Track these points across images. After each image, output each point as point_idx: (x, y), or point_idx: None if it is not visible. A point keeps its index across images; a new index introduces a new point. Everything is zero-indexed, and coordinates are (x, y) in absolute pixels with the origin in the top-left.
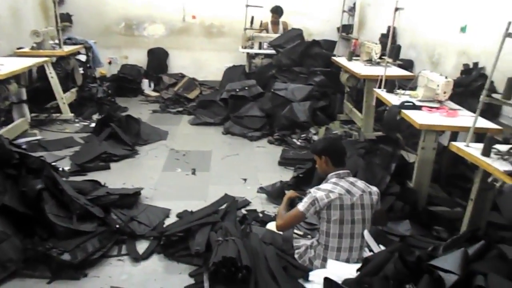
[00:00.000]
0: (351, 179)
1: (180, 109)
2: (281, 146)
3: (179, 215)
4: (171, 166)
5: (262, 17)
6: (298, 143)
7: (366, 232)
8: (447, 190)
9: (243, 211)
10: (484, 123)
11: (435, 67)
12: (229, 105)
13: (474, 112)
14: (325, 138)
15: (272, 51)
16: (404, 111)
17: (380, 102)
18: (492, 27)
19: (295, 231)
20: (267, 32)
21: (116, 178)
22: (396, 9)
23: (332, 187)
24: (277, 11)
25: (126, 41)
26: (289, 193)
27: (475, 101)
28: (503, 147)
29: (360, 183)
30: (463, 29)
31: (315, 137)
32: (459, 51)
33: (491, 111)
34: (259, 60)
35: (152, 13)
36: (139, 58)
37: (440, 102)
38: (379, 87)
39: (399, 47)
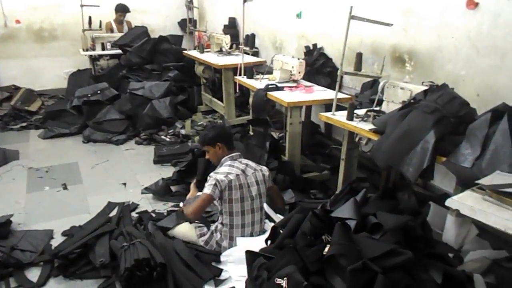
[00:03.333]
0: (244, 160)
1: (24, 124)
2: (151, 145)
3: (65, 233)
4: (36, 186)
5: (100, 17)
6: (168, 139)
7: (266, 205)
8: (311, 158)
9: (134, 214)
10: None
11: (279, 51)
12: (84, 112)
13: (323, 87)
14: (213, 127)
15: (118, 51)
16: (270, 93)
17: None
18: (321, 12)
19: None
20: (112, 32)
21: None
22: (245, 1)
23: (228, 169)
24: (123, 9)
25: None
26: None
27: (320, 77)
28: (360, 111)
29: (251, 163)
30: (298, 15)
31: (183, 131)
32: (298, 35)
33: (335, 84)
34: (105, 62)
35: None
36: None
37: (295, 81)
38: (239, 75)
39: (253, 36)
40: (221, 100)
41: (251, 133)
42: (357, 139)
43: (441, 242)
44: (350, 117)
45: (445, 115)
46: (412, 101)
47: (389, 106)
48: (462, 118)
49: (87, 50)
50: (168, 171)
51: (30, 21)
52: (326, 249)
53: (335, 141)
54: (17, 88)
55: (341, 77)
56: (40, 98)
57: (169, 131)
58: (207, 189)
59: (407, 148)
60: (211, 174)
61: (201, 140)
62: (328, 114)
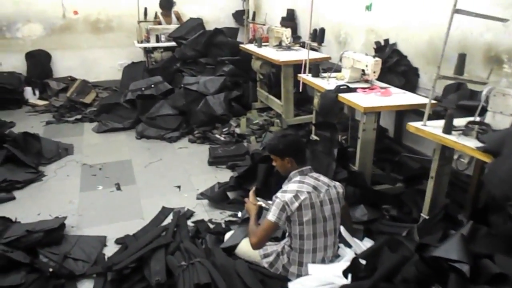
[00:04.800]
0: (315, 174)
1: (79, 116)
2: (205, 144)
3: (119, 241)
4: (89, 185)
5: (156, 9)
6: (222, 138)
7: (342, 228)
8: (379, 165)
9: (190, 223)
10: (418, 99)
11: (343, 46)
12: (138, 106)
13: (397, 87)
14: (284, 137)
15: (172, 44)
16: (341, 95)
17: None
18: (395, 4)
19: None
20: (160, 24)
21: (26, 209)
22: None
23: (298, 186)
24: (165, 7)
25: None
26: (252, 205)
27: (393, 76)
28: (459, 122)
29: (323, 178)
30: (368, 8)
31: (238, 130)
32: (366, 29)
33: (410, 85)
34: (159, 54)
35: (24, 11)
36: (16, 64)
37: (367, 81)
38: (303, 73)
39: (323, 31)
40: (278, 97)
41: (313, 136)
42: (456, 157)
43: None
44: (448, 130)
45: None
46: None
47: (496, 118)
48: None
49: (141, 42)
50: (223, 174)
51: (87, 12)
52: None
53: (406, 148)
54: (73, 79)
55: (434, 81)
56: (94, 90)
57: (224, 130)
58: (272, 216)
59: None
60: (278, 194)
61: (269, 148)
62: (418, 124)
